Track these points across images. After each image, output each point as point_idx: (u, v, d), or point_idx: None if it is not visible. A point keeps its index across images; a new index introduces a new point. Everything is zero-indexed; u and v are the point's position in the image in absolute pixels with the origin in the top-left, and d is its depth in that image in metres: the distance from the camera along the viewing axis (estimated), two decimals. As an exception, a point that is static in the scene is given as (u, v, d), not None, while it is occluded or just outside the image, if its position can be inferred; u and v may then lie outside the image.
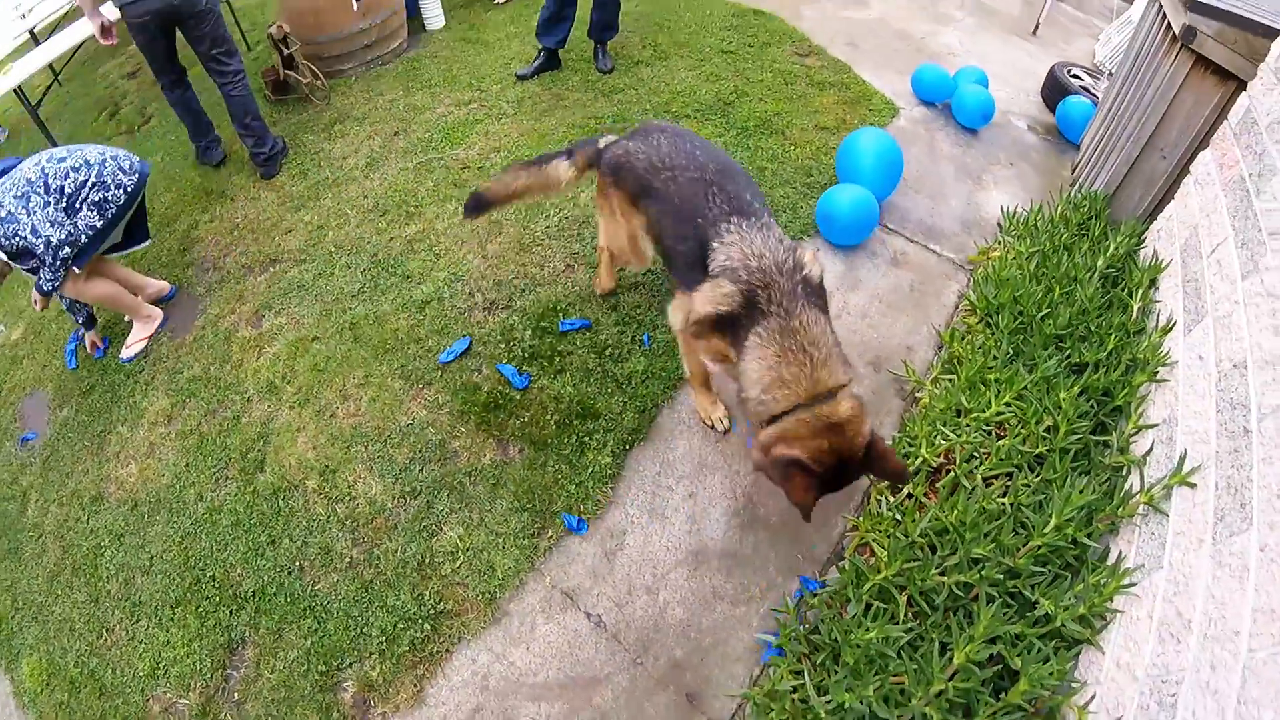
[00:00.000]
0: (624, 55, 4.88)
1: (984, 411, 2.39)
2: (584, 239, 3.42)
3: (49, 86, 6.40)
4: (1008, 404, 2.38)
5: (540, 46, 4.72)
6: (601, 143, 2.62)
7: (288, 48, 4.76)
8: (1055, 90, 4.76)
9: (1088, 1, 6.84)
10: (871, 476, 2.27)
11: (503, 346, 3.02)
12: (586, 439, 2.68)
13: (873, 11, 5.45)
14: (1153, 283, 2.60)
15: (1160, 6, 3.21)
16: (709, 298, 2.08)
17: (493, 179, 2.85)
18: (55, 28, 6.36)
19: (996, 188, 3.78)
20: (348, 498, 2.69)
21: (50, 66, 5.76)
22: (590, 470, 2.60)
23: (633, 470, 2.62)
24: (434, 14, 5.54)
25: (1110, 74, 5.60)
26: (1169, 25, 2.93)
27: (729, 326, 2.08)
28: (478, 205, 2.84)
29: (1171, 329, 2.30)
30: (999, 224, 3.44)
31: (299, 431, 2.92)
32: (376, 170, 4.14)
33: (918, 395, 2.70)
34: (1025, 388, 2.40)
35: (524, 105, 4.46)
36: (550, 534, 2.48)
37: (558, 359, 2.95)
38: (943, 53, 5.04)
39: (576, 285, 3.21)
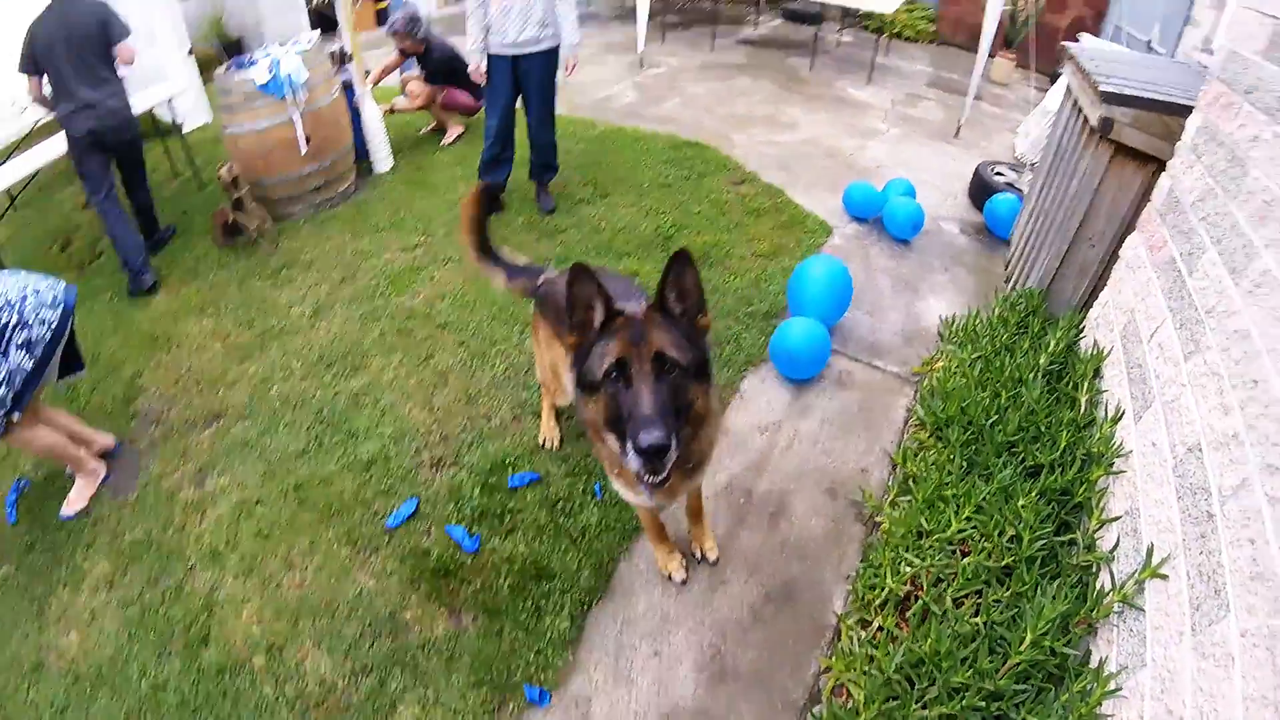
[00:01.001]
0: (565, 194, 4.97)
1: (945, 531, 2.34)
2: (531, 388, 3.37)
3: (4, 212, 6.32)
4: (968, 519, 2.33)
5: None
6: (540, 279, 2.71)
7: (237, 190, 4.75)
8: (981, 190, 4.94)
9: (1004, 97, 7.23)
10: None
11: (451, 506, 2.93)
12: (543, 602, 2.56)
13: (801, 133, 5.69)
14: (1097, 372, 2.62)
15: (1076, 101, 3.32)
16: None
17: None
18: (13, 151, 6.33)
19: (934, 295, 3.86)
20: (296, 676, 2.52)
21: (8, 191, 5.64)
22: (549, 636, 2.47)
23: (593, 631, 2.51)
24: (382, 156, 5.64)
25: (1032, 165, 5.88)
26: (1085, 119, 3.03)
27: None
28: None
29: (1121, 418, 2.30)
30: (939, 333, 3.47)
31: (244, 603, 2.77)
32: (322, 319, 4.09)
33: (878, 520, 2.67)
34: (984, 499, 2.36)
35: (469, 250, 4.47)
36: (512, 707, 2.34)
37: (508, 517, 2.85)
38: (871, 167, 5.23)
39: (525, 437, 3.15)
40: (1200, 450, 1.73)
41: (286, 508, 3.06)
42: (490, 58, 4.36)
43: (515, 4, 4.11)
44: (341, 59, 5.55)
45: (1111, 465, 2.22)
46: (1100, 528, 2.15)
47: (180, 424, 3.59)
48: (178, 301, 4.51)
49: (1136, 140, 2.72)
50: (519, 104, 4.52)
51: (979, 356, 3.01)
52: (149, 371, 3.97)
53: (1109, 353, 2.58)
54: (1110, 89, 2.78)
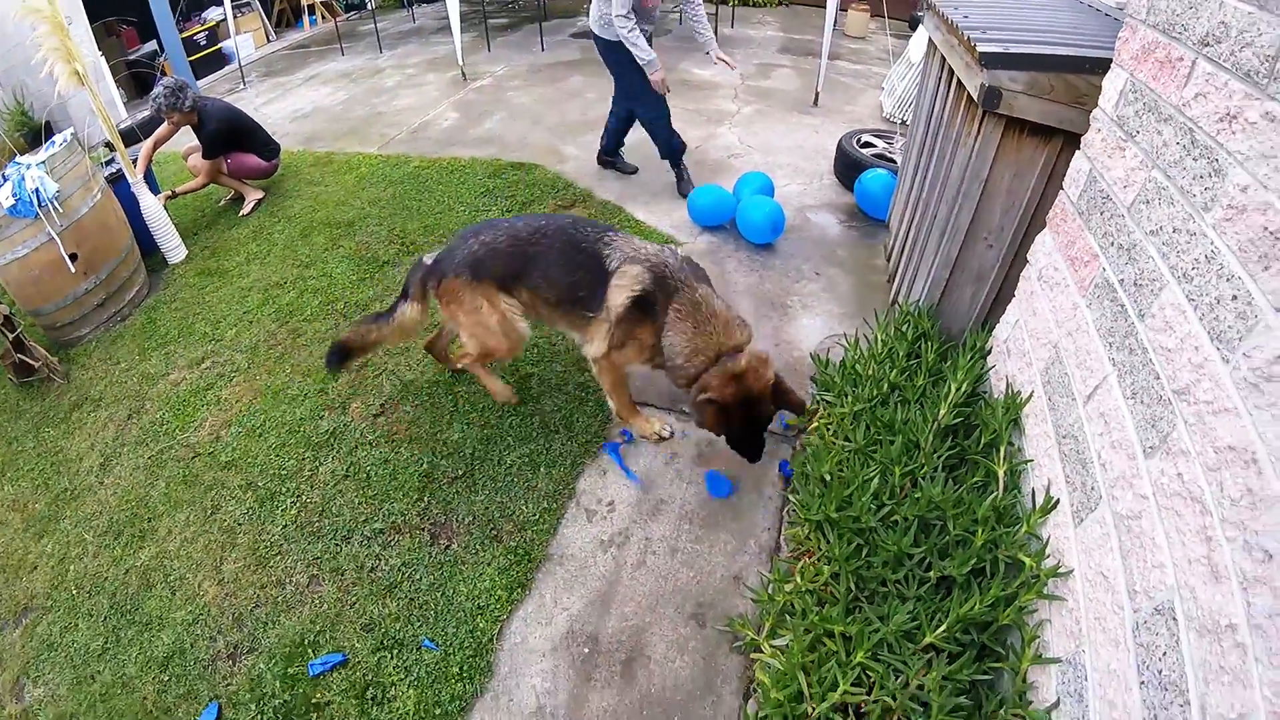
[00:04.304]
0: (367, 257, 4.36)
1: (832, 692, 1.81)
2: (324, 536, 2.79)
3: None
4: (859, 678, 1.80)
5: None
6: (428, 259, 2.81)
7: (12, 329, 4.11)
8: (848, 166, 4.41)
9: (863, 51, 6.75)
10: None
11: (253, 708, 2.34)
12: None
13: (641, 131, 5.10)
14: (1014, 423, 2.03)
15: (945, 61, 2.74)
16: (622, 285, 2.44)
17: (349, 329, 3.04)
18: None
19: (806, 312, 3.29)
20: None
21: None
22: None
23: None
24: (173, 246, 4.89)
25: (904, 124, 5.40)
26: (961, 85, 2.46)
27: (647, 309, 2.44)
28: (340, 356, 2.95)
29: (1053, 508, 1.69)
30: (812, 378, 2.85)
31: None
32: (110, 472, 3.45)
33: (754, 657, 2.12)
34: (880, 644, 1.83)
35: (258, 352, 3.84)
36: None
37: (314, 714, 2.27)
38: (723, 158, 4.67)
39: (324, 604, 2.52)
40: (1175, 619, 1.15)
41: (98, 721, 2.48)
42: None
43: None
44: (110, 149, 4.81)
45: (1045, 588, 1.62)
46: (1034, 665, 1.60)
47: (-7, 621, 3.10)
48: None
49: (1034, 111, 2.10)
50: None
51: (863, 409, 2.38)
52: (-39, 558, 3.43)
53: (1028, 399, 1.99)
54: (992, 49, 2.12)
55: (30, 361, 4.25)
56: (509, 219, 2.69)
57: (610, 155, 4.95)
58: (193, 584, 2.81)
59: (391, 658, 2.33)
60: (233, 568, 2.79)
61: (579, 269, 2.51)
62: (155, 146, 5.16)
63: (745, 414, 2.36)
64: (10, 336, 4.15)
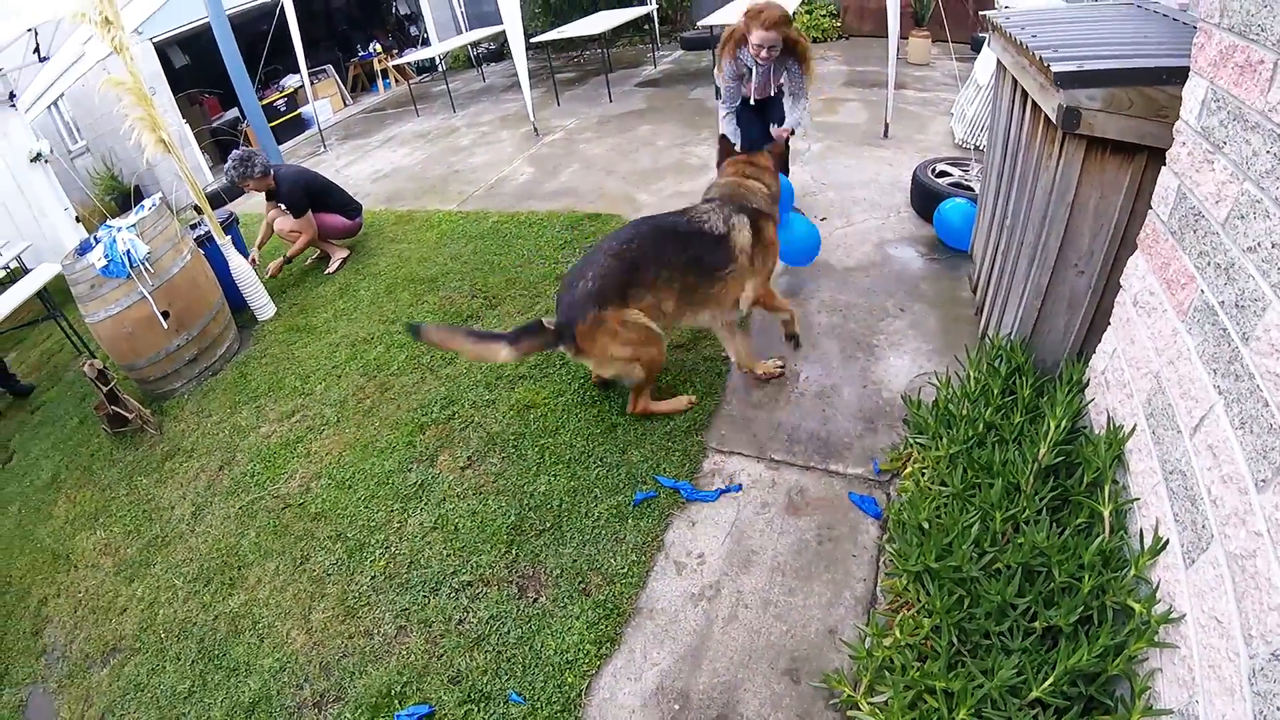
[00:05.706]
0: (450, 311, 4.46)
1: None
2: (412, 587, 2.80)
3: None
4: None
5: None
6: (548, 322, 2.89)
7: (106, 383, 4.31)
8: (924, 198, 4.33)
9: (928, 78, 6.68)
10: None
11: (337, 759, 2.34)
12: None
13: (713, 175, 5.11)
14: (1118, 459, 1.92)
15: (1016, 83, 2.68)
16: (745, 227, 2.99)
17: (437, 329, 3.09)
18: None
19: (893, 350, 3.21)
20: None
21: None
22: None
23: None
24: (262, 304, 5.12)
25: (978, 149, 5.27)
26: (1035, 107, 2.40)
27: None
28: (417, 334, 3.00)
29: (1162, 550, 1.59)
30: (905, 419, 2.78)
31: None
32: (202, 521, 3.55)
33: (851, 715, 2.00)
34: (984, 700, 1.72)
35: (347, 406, 3.94)
36: None
37: (401, 766, 2.25)
38: (800, 195, 4.66)
39: (412, 655, 2.53)
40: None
41: (180, 767, 2.57)
42: None
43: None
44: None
45: (1155, 635, 1.52)
46: (1144, 717, 1.49)
47: (80, 659, 3.22)
48: (75, 509, 4.11)
49: (1116, 128, 2.01)
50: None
51: (959, 451, 2.30)
52: (53, 599, 3.63)
53: (1131, 432, 1.88)
54: (1066, 68, 2.05)
55: (124, 413, 4.45)
56: (599, 244, 2.97)
57: None
58: (281, 632, 2.85)
59: (478, 711, 2.30)
60: (321, 617, 2.81)
61: (687, 245, 2.89)
62: (269, 227, 5.58)
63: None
64: (104, 389, 4.36)
